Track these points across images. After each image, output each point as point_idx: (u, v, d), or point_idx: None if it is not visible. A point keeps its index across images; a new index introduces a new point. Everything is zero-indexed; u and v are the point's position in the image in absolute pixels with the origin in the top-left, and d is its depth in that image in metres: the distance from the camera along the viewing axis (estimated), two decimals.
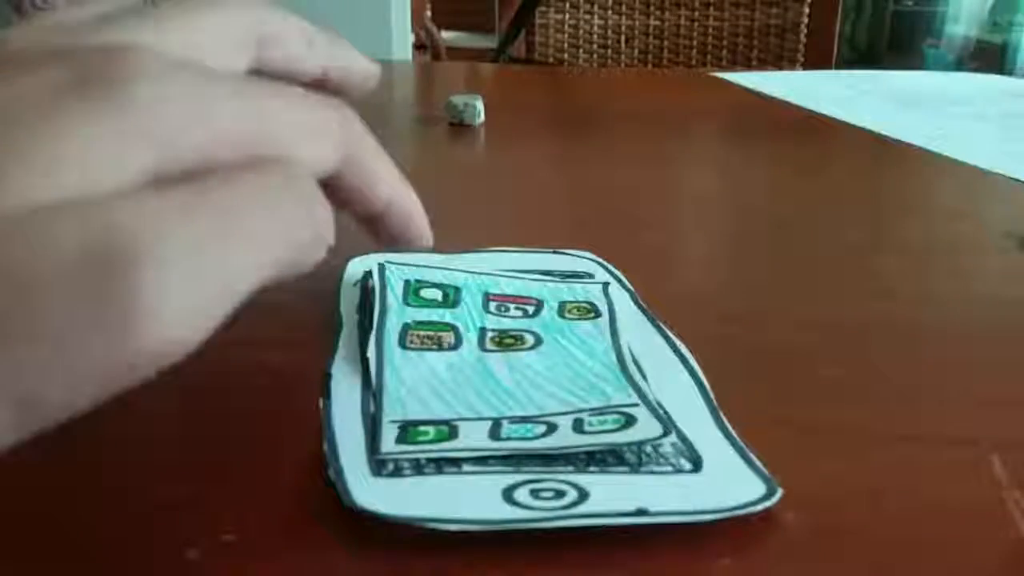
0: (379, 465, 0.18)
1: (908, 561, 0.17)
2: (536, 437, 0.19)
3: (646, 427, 0.20)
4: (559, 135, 0.61)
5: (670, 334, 0.25)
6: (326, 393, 0.22)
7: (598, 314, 0.26)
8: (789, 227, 0.39)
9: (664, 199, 0.45)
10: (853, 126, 0.64)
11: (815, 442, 0.21)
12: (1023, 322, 0.29)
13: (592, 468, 0.18)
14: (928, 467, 0.20)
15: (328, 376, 0.22)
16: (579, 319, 0.26)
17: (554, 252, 0.32)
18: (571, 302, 0.27)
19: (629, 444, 0.19)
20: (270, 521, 0.17)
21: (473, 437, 0.19)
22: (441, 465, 0.18)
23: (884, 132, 0.61)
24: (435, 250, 0.31)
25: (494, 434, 0.20)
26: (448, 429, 0.20)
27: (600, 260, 0.31)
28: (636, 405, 0.21)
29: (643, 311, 0.27)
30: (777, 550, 0.17)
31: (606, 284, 0.28)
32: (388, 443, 0.19)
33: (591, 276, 0.30)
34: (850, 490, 0.19)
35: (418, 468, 0.18)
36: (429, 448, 0.19)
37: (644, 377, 0.23)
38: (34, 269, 0.12)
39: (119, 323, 0.12)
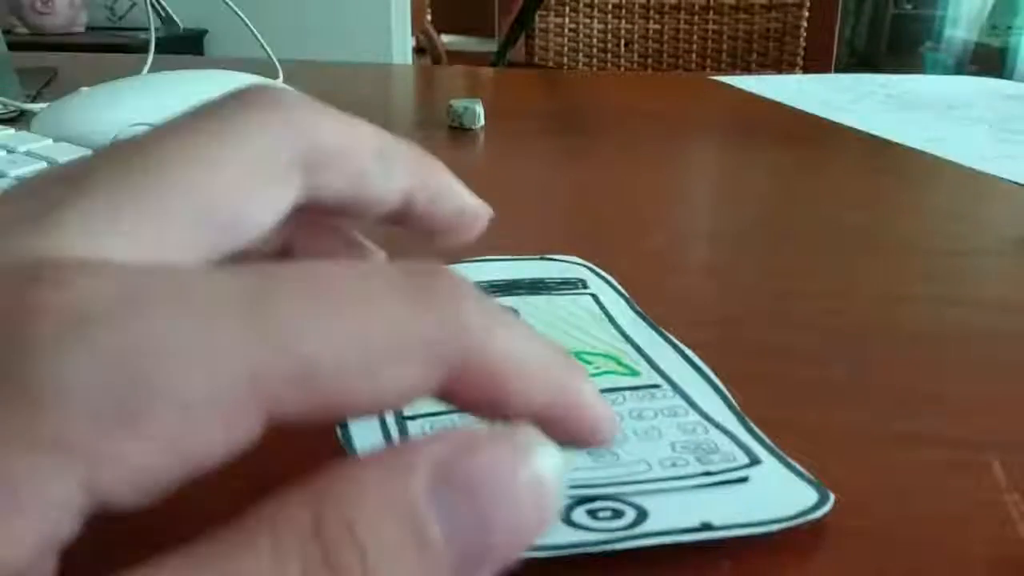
0: None
1: (907, 563, 0.17)
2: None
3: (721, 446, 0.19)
4: (559, 139, 0.61)
5: (675, 340, 0.25)
6: (342, 423, 0.20)
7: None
8: (788, 229, 0.39)
9: (664, 202, 0.45)
10: (852, 129, 0.64)
11: (814, 444, 0.21)
12: (1022, 324, 0.29)
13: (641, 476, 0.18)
14: (927, 469, 0.20)
15: None
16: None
17: (542, 258, 0.31)
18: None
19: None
20: None
21: None
22: None
23: (883, 135, 0.61)
24: (420, 259, 0.30)
25: None
26: None
27: (590, 265, 0.30)
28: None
29: (642, 316, 0.26)
30: (775, 551, 0.17)
31: (595, 296, 0.28)
32: None
33: (583, 283, 0.29)
34: (849, 492, 0.19)
35: None
36: None
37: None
38: None
39: None
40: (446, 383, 0.11)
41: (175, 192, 0.12)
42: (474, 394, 0.12)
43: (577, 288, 0.28)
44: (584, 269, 0.30)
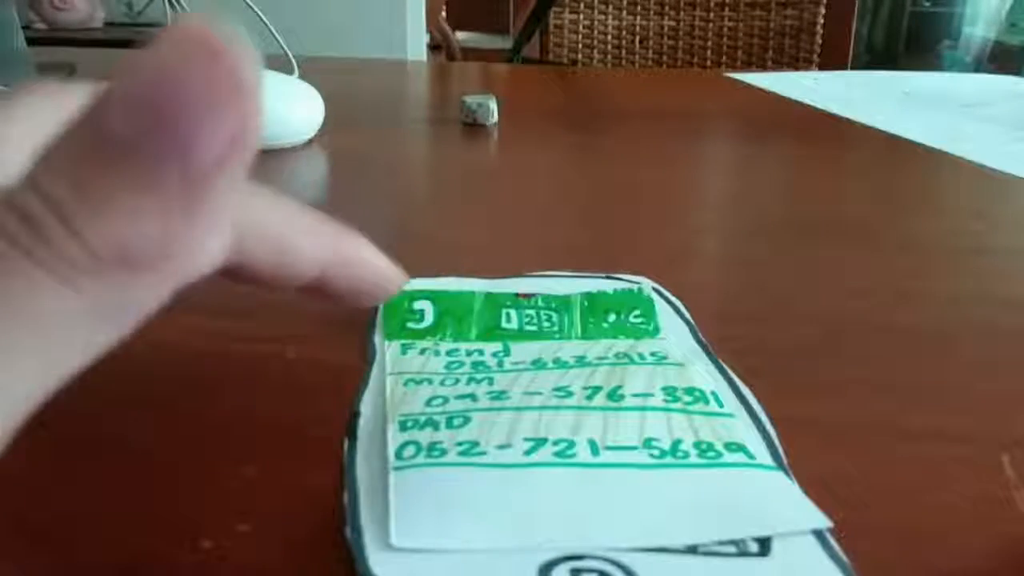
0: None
1: (916, 560, 0.17)
2: None
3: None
4: (573, 135, 0.61)
5: (734, 376, 0.23)
6: (351, 434, 0.20)
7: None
8: (806, 227, 0.39)
9: (682, 200, 0.45)
10: (868, 127, 0.64)
11: (824, 440, 0.21)
12: None
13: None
14: (936, 465, 0.20)
15: (356, 415, 0.20)
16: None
17: (607, 277, 0.30)
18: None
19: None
20: (286, 512, 0.18)
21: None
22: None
23: (899, 133, 0.61)
24: (469, 272, 0.30)
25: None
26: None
27: (656, 286, 0.29)
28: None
29: (703, 347, 0.25)
30: None
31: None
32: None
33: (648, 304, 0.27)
34: (859, 488, 0.19)
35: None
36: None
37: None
38: None
39: None
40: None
41: None
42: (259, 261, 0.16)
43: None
44: (650, 290, 0.29)
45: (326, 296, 0.19)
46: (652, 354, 0.24)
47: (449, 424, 0.20)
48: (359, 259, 0.19)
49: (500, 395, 0.21)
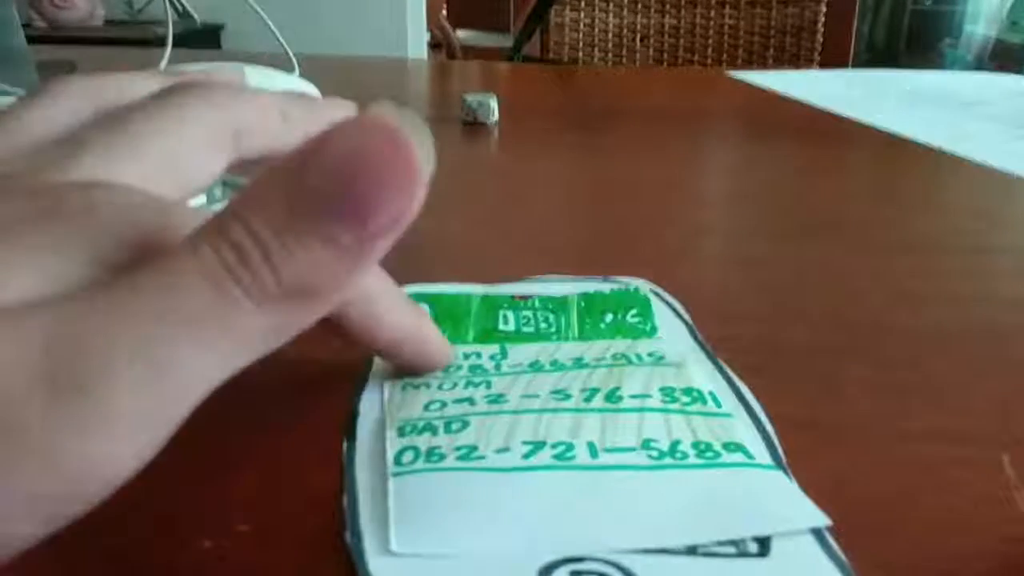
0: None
1: (915, 560, 0.17)
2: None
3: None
4: (573, 134, 0.61)
5: (733, 376, 0.23)
6: (351, 434, 0.20)
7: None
8: (807, 226, 0.39)
9: (683, 199, 0.45)
10: (869, 126, 0.64)
11: (824, 440, 0.21)
12: None
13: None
14: (937, 465, 0.20)
15: (355, 415, 0.21)
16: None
17: (604, 280, 0.30)
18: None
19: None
20: (286, 512, 0.18)
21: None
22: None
23: (900, 132, 0.61)
24: (469, 270, 0.30)
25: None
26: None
27: (654, 287, 0.29)
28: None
29: (702, 347, 0.25)
30: None
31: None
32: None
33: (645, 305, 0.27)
34: (859, 488, 0.19)
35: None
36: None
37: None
38: None
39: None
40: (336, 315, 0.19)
41: (150, 157, 0.18)
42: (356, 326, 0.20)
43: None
44: (647, 290, 0.29)
45: (391, 358, 0.22)
46: (650, 354, 0.24)
47: (447, 428, 0.20)
48: (424, 340, 0.22)
49: (498, 398, 0.21)
